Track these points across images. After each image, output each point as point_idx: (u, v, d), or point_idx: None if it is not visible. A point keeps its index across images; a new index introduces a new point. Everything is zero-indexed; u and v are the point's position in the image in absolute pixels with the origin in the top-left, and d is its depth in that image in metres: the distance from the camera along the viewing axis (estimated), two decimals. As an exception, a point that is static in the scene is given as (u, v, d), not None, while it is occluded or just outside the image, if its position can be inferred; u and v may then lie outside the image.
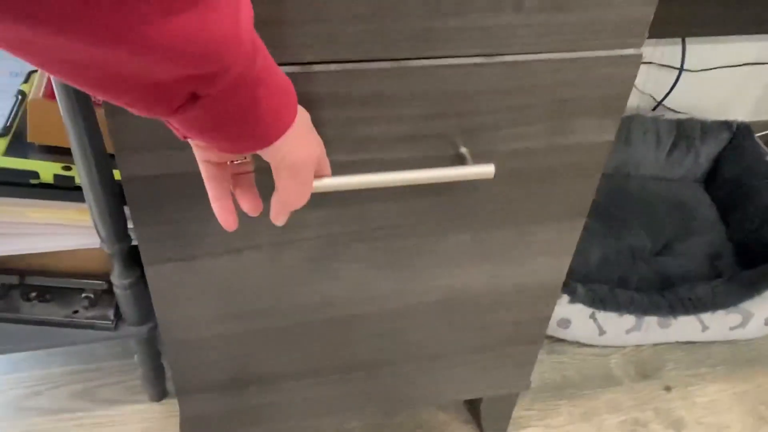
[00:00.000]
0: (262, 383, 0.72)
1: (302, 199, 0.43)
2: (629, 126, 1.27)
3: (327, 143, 0.49)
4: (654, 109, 1.37)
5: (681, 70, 1.31)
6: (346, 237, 0.60)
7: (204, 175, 0.44)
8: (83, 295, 0.81)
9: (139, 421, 0.91)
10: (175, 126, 0.36)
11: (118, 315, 0.82)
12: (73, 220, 0.76)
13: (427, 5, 0.46)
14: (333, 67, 0.48)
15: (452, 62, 0.50)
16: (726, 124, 1.27)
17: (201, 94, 0.32)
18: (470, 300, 0.70)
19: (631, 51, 0.53)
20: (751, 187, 1.19)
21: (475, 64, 0.50)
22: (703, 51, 1.32)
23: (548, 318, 0.75)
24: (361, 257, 0.62)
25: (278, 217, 0.45)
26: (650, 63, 1.31)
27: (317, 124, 0.46)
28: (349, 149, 0.53)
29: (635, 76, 0.54)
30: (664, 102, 1.37)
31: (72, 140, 0.67)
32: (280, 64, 0.38)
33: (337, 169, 0.53)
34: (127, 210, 0.74)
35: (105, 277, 0.81)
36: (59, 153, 0.75)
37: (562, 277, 0.70)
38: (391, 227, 0.60)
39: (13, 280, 0.80)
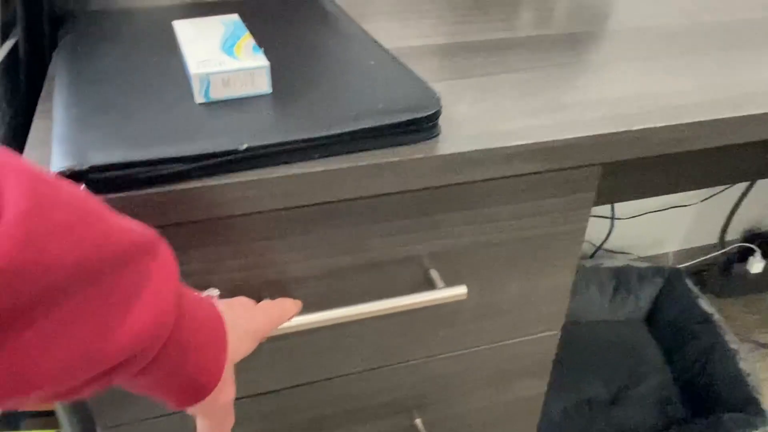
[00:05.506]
0: None
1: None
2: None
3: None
4: (593, 254, 1.50)
5: (613, 219, 1.45)
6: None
7: None
8: None
9: None
10: None
11: None
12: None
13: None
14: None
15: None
16: (659, 271, 1.39)
17: (128, 372, 0.32)
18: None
19: (549, 333, 0.65)
20: (688, 330, 1.30)
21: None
22: (632, 202, 1.45)
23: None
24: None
25: None
26: (585, 216, 1.44)
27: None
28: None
29: (554, 350, 0.66)
30: (604, 246, 1.49)
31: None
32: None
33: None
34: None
35: None
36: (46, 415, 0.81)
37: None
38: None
39: None
